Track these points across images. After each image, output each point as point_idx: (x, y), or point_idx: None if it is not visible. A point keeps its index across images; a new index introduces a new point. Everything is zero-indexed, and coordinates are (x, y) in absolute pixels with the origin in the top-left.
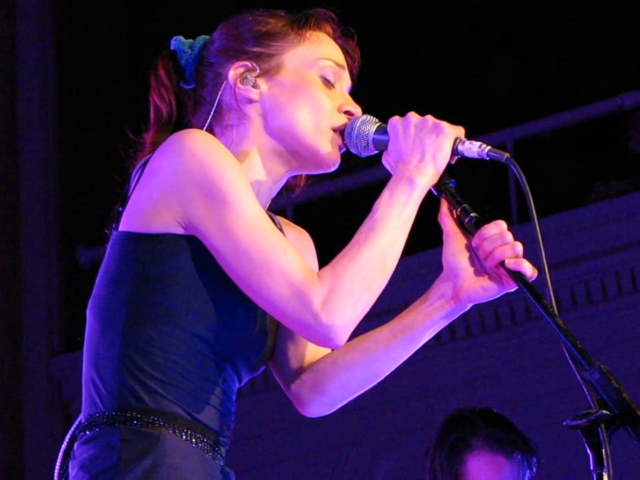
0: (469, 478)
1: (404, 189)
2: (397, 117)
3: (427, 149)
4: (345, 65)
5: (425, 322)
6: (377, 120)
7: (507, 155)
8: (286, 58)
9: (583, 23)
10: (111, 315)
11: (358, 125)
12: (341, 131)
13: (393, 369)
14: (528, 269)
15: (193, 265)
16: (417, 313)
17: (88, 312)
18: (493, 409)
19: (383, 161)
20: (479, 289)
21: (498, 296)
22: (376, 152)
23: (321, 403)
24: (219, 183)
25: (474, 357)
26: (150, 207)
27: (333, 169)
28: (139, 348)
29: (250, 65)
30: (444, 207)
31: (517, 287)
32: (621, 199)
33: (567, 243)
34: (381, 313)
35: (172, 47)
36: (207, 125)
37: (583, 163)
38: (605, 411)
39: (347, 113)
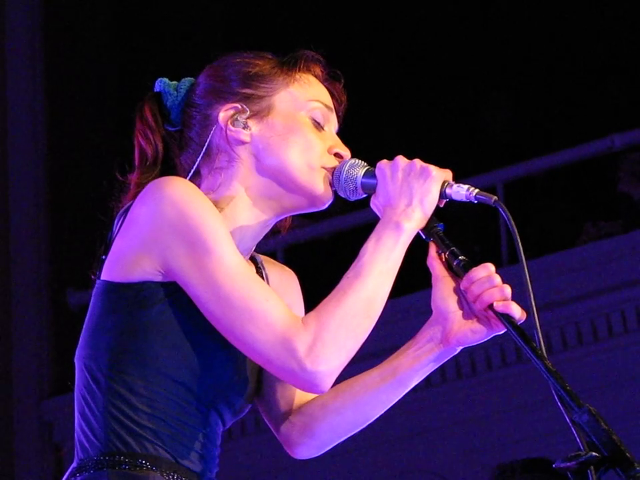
0: None
1: (391, 233)
2: (385, 161)
3: (415, 193)
4: (333, 107)
5: (414, 365)
6: (365, 163)
7: (495, 197)
8: (276, 99)
9: (573, 63)
10: (94, 365)
11: (346, 168)
12: (331, 172)
13: (382, 412)
14: (517, 312)
15: (173, 312)
16: (406, 356)
17: (75, 361)
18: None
19: (371, 204)
20: (468, 332)
21: (487, 339)
22: (364, 195)
23: (310, 446)
24: (198, 231)
25: (466, 399)
26: (130, 256)
27: (326, 206)
28: (123, 396)
29: (240, 106)
30: (432, 250)
31: (505, 330)
32: (611, 240)
33: (557, 284)
34: (368, 356)
35: (156, 89)
36: (195, 166)
37: (573, 204)
38: (594, 453)
39: (336, 155)
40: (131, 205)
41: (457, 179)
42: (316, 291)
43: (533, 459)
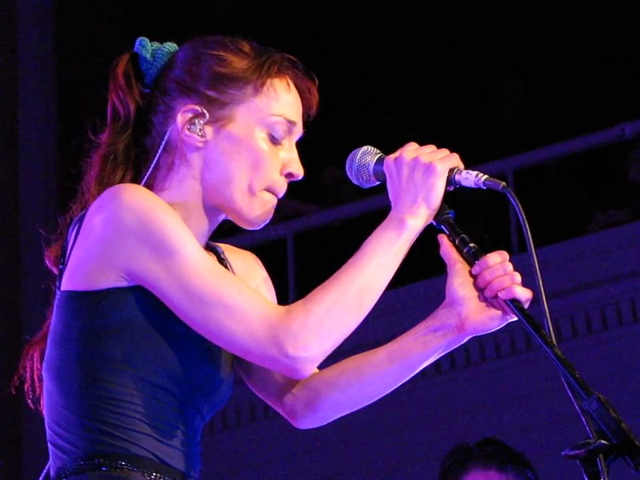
0: None
1: (394, 228)
2: (392, 156)
3: (420, 190)
4: (298, 119)
5: (423, 351)
6: (377, 151)
7: (503, 183)
8: (238, 110)
9: (584, 52)
10: (66, 375)
11: (359, 157)
12: (273, 190)
13: (387, 393)
14: (521, 293)
15: (141, 315)
16: (416, 341)
17: (44, 373)
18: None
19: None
20: (486, 319)
21: (502, 325)
22: (377, 183)
23: (314, 419)
24: (160, 234)
25: (474, 386)
26: (91, 266)
27: (258, 228)
28: (98, 402)
29: (200, 110)
30: (444, 237)
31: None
32: (621, 228)
33: (567, 272)
34: (373, 344)
35: (135, 49)
36: (155, 160)
37: (584, 192)
38: (603, 441)
39: (288, 175)
40: (85, 213)
41: (468, 166)
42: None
43: (487, 439)
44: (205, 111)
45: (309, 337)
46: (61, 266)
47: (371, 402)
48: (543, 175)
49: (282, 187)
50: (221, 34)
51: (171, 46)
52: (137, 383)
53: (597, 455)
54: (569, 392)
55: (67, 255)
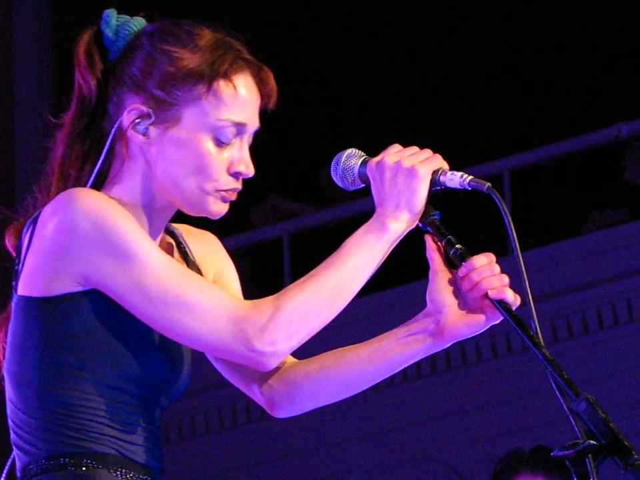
0: None
1: (375, 231)
2: (374, 160)
3: (402, 194)
4: (249, 118)
5: (403, 353)
6: (362, 153)
7: (488, 184)
8: (184, 112)
9: (581, 52)
10: (24, 381)
11: (343, 159)
12: (228, 193)
13: (366, 388)
14: (510, 296)
15: (97, 319)
16: (397, 342)
17: (4, 375)
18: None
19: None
20: (463, 326)
21: (482, 330)
22: (363, 185)
23: (291, 410)
24: (116, 239)
25: (468, 387)
26: (47, 272)
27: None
28: (57, 408)
29: (146, 110)
30: (430, 240)
31: (501, 319)
32: (618, 229)
33: (564, 273)
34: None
35: (101, 25)
36: (105, 148)
37: (580, 193)
38: (592, 441)
39: (236, 174)
40: (39, 214)
41: (465, 166)
42: None
43: (540, 446)
44: (151, 112)
45: (276, 332)
46: (16, 267)
47: (349, 396)
48: (540, 175)
49: (232, 186)
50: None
51: (137, 23)
52: (96, 388)
53: (586, 455)
54: (557, 392)
55: (23, 256)
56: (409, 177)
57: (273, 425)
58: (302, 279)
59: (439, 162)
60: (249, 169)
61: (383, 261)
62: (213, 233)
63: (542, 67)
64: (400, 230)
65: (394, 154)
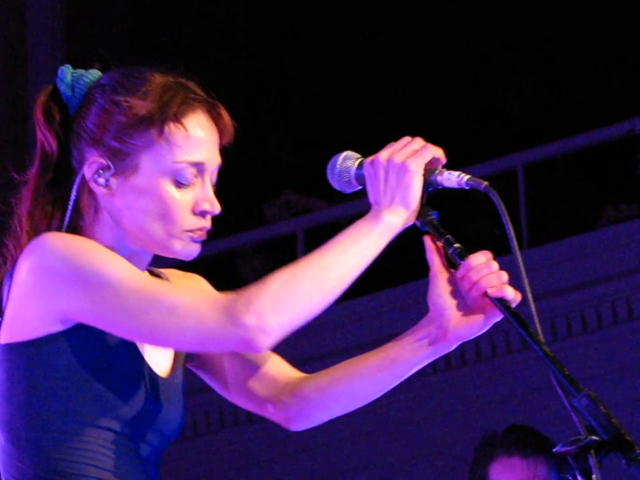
0: None
1: (369, 221)
2: (369, 159)
3: (396, 191)
4: (207, 157)
5: (410, 359)
6: (358, 155)
7: (486, 183)
8: (142, 159)
9: (595, 47)
10: (14, 427)
11: (339, 161)
12: (196, 233)
13: (379, 396)
14: (510, 294)
15: (81, 359)
16: (403, 349)
17: None
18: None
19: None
20: (465, 328)
21: (486, 329)
22: (360, 187)
23: (307, 423)
24: (86, 267)
25: (485, 382)
26: (26, 315)
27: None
28: (48, 453)
29: (105, 162)
30: (429, 241)
31: (502, 317)
32: (632, 223)
33: (578, 267)
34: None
35: (56, 81)
36: (71, 201)
37: (594, 187)
38: (594, 437)
39: (201, 212)
40: (15, 266)
41: (478, 162)
42: None
43: (512, 426)
44: (110, 163)
45: (262, 306)
46: None
47: (362, 405)
48: (553, 170)
49: (199, 226)
50: (227, 31)
51: (92, 75)
52: (85, 429)
53: (588, 451)
54: (558, 389)
55: (3, 309)
56: (401, 173)
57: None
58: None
59: (429, 152)
60: (213, 207)
61: (377, 251)
62: (228, 229)
63: (556, 62)
64: (395, 223)
65: (386, 151)
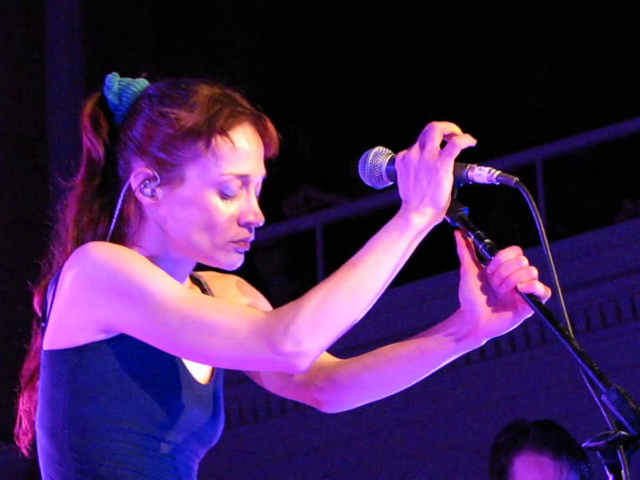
0: (515, 478)
1: (399, 227)
2: (400, 155)
3: (426, 190)
4: (253, 169)
5: (439, 351)
6: (389, 151)
7: (516, 179)
8: (188, 171)
9: (614, 41)
10: (57, 433)
11: (371, 157)
12: (241, 245)
13: (410, 385)
14: (540, 289)
15: (123, 368)
16: (434, 341)
17: (37, 429)
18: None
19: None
20: (495, 323)
21: (516, 325)
22: (391, 183)
23: (340, 407)
24: (130, 280)
25: (504, 377)
26: (69, 323)
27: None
28: (91, 459)
29: (152, 173)
30: (459, 236)
31: (532, 313)
32: None
33: (597, 262)
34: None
35: (103, 90)
36: (117, 210)
37: (612, 182)
38: (623, 432)
39: (246, 224)
40: (60, 272)
41: (498, 156)
42: None
43: (548, 421)
44: (156, 174)
45: (299, 332)
46: (42, 324)
47: (392, 393)
48: (572, 164)
49: (243, 237)
50: (248, 33)
51: (139, 85)
52: (128, 436)
53: (617, 446)
54: (587, 384)
55: (47, 314)
56: (431, 172)
57: (304, 416)
58: (323, 281)
59: (458, 149)
60: (258, 218)
61: (408, 255)
62: None
63: (575, 55)
64: (424, 224)
65: (416, 147)
